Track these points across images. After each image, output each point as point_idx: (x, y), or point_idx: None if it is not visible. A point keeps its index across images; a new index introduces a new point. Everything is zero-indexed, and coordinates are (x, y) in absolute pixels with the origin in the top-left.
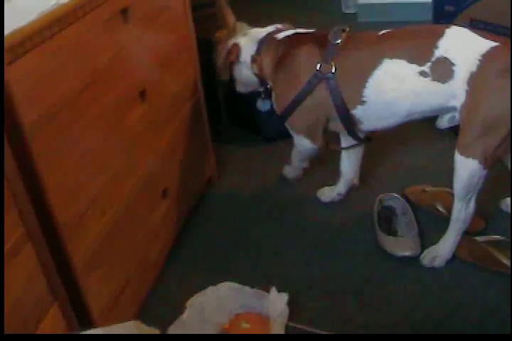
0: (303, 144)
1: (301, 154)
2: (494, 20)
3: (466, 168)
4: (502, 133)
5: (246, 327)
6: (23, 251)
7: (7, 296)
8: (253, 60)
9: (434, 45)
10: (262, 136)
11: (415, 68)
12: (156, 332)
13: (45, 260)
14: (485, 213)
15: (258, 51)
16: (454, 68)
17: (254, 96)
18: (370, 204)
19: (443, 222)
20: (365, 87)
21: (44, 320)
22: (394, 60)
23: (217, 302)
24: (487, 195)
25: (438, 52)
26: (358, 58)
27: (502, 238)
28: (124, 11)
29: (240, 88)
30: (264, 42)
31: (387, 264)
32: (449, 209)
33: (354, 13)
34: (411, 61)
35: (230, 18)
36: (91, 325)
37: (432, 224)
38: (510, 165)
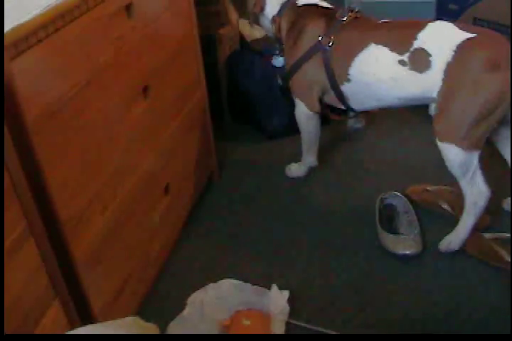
0: (300, 109)
1: (301, 124)
2: (497, 19)
3: (449, 153)
4: (476, 119)
5: (246, 324)
6: (25, 246)
7: (9, 291)
8: (273, 20)
9: (414, 37)
10: (263, 133)
11: (395, 56)
12: (155, 327)
13: (46, 255)
14: (492, 210)
15: (279, 12)
16: (430, 59)
17: (256, 93)
18: (372, 202)
19: (445, 221)
20: (350, 65)
21: (45, 315)
22: (378, 46)
23: (217, 299)
24: (495, 192)
25: (416, 44)
26: (352, 38)
27: (509, 236)
28: (128, 7)
29: (255, 45)
30: (285, 6)
31: (388, 262)
32: (453, 206)
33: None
34: (392, 49)
35: (233, 15)
36: (92, 321)
37: (433, 222)
38: (503, 153)
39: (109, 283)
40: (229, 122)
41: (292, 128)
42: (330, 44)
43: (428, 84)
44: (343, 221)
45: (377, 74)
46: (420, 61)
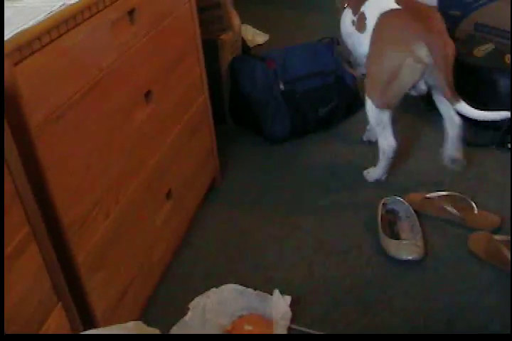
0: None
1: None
2: (499, 25)
3: (368, 106)
4: (386, 82)
5: (248, 329)
6: (27, 251)
7: (11, 295)
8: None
9: (363, 3)
10: (265, 138)
11: (351, 17)
12: (157, 332)
13: (49, 260)
14: (502, 212)
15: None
16: (366, 22)
17: (258, 98)
18: (374, 207)
19: (446, 226)
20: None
21: (48, 319)
22: (349, 10)
23: (219, 304)
24: (507, 196)
25: (362, 8)
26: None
27: None
28: (130, 12)
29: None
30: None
31: (390, 267)
32: (459, 208)
33: None
34: (352, 12)
35: (235, 20)
36: (94, 325)
37: (435, 227)
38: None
39: (112, 288)
40: (231, 127)
41: (294, 133)
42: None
43: (366, 44)
44: (345, 226)
45: (346, 28)
46: (360, 22)
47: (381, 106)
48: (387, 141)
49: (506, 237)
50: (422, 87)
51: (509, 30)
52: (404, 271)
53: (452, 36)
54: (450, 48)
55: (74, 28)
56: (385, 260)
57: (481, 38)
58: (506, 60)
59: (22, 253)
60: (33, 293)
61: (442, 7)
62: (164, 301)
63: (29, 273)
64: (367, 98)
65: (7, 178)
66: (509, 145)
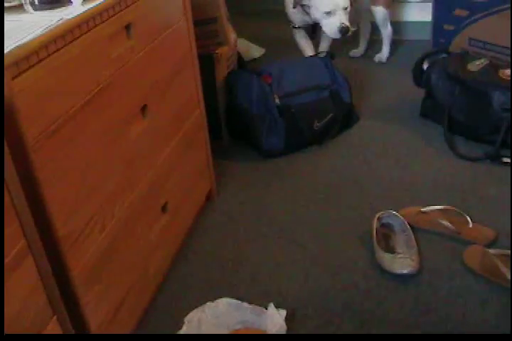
0: None
1: None
2: (492, 40)
3: (380, 12)
4: None
5: None
6: (23, 265)
7: (7, 309)
8: None
9: None
10: (261, 152)
11: None
12: None
13: (44, 273)
14: (496, 225)
15: None
16: None
17: (253, 112)
18: (369, 221)
19: (441, 240)
20: None
21: (43, 333)
22: None
23: (215, 318)
24: (501, 210)
25: None
26: None
27: None
28: (127, 27)
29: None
30: None
31: (385, 281)
32: (453, 222)
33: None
34: None
35: (231, 34)
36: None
37: (430, 241)
38: None
39: (107, 301)
40: (227, 141)
41: (289, 147)
42: None
43: None
44: (340, 240)
45: None
46: None
47: (388, 7)
48: (388, 29)
49: (501, 251)
50: None
51: (503, 45)
52: (399, 284)
53: (446, 51)
54: None
55: (71, 42)
56: (380, 274)
57: (475, 52)
58: (501, 74)
59: (18, 267)
60: (28, 307)
61: (436, 22)
62: (159, 314)
63: (24, 287)
64: (378, 8)
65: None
66: (503, 159)
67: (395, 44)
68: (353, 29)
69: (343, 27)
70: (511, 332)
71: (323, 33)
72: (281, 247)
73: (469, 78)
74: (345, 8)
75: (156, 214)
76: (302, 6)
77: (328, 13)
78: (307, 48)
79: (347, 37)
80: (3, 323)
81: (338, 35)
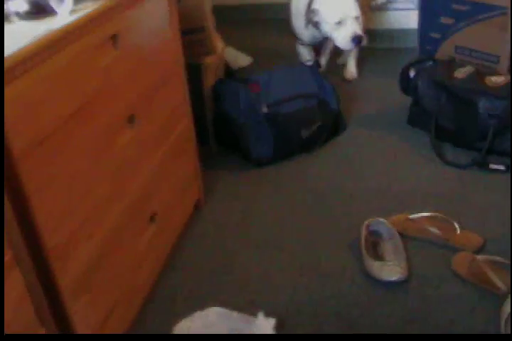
0: None
1: None
2: (478, 47)
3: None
4: None
5: None
6: (10, 277)
7: None
8: None
9: None
10: (249, 161)
11: None
12: None
13: (32, 285)
14: (484, 232)
15: None
16: None
17: (241, 121)
18: (357, 229)
19: (430, 247)
20: None
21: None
22: None
23: (204, 328)
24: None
25: None
26: None
27: (501, 259)
28: (114, 37)
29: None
30: None
31: (374, 289)
32: (441, 229)
33: None
34: None
35: (219, 43)
36: None
37: (419, 248)
38: None
39: (95, 312)
40: (215, 149)
41: (277, 155)
42: None
43: None
44: (328, 248)
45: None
46: None
47: None
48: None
49: (489, 257)
50: None
51: (489, 52)
52: (388, 292)
53: (433, 58)
54: None
55: (57, 52)
56: (368, 281)
57: (461, 60)
58: (487, 81)
59: (5, 279)
60: (16, 319)
61: (423, 29)
62: (149, 324)
63: (12, 299)
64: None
65: None
66: (491, 166)
67: (383, 51)
68: (364, 41)
69: (355, 36)
70: (511, 332)
71: (334, 45)
72: (270, 256)
73: (456, 85)
74: (356, 17)
75: (144, 224)
76: (313, 22)
77: (339, 24)
78: (308, 57)
79: (362, 47)
80: (3, 323)
81: (351, 45)
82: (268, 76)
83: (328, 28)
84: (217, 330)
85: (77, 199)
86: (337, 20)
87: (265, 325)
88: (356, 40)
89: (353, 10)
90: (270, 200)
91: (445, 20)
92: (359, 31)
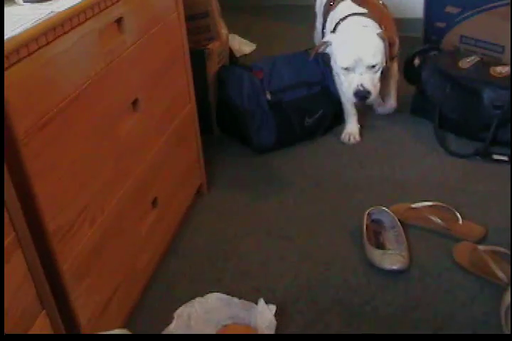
0: None
1: None
2: (483, 37)
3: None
4: None
5: None
6: (12, 258)
7: None
8: None
9: None
10: (252, 147)
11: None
12: None
13: (34, 267)
14: (486, 222)
15: None
16: None
17: (244, 108)
18: (359, 217)
19: (431, 236)
20: None
21: (32, 327)
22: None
23: (204, 313)
24: (491, 207)
25: None
26: None
27: (502, 249)
28: (119, 21)
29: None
30: None
31: (375, 277)
32: (443, 219)
33: None
34: None
35: (223, 29)
36: (78, 333)
37: (420, 237)
38: None
39: (97, 296)
40: (218, 136)
41: (280, 143)
42: None
43: None
44: (330, 236)
45: None
46: None
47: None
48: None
49: (491, 247)
50: None
51: (494, 42)
52: (389, 281)
53: (438, 48)
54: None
55: (62, 35)
56: (370, 270)
57: (466, 49)
58: (492, 71)
59: (7, 261)
60: (18, 301)
61: (428, 19)
62: (149, 309)
63: (14, 281)
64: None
65: None
66: (494, 156)
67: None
68: (373, 97)
69: (359, 89)
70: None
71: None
72: (271, 243)
73: (460, 75)
74: (372, 66)
75: (146, 209)
76: (321, 54)
77: (347, 69)
78: None
79: (367, 103)
80: (3, 323)
81: (352, 99)
82: (272, 63)
83: (337, 70)
84: (217, 316)
85: (79, 183)
86: (345, 66)
87: (266, 311)
88: (359, 94)
89: (370, 56)
90: (272, 187)
91: (451, 9)
92: (367, 85)
